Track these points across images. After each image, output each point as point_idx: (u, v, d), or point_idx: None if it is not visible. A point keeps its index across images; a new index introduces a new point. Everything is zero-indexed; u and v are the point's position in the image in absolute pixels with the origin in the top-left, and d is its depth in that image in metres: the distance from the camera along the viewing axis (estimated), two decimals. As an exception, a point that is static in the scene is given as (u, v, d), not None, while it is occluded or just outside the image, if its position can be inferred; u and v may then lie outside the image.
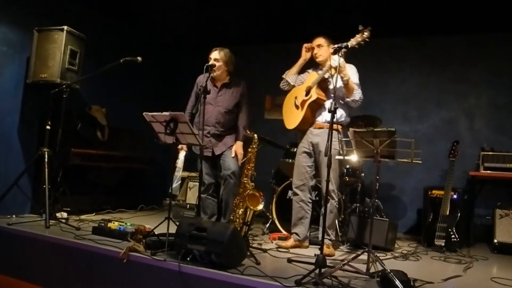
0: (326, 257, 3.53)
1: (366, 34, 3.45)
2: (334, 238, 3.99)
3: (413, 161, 3.14)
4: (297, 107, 4.07)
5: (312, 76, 4.04)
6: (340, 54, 3.38)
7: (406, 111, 5.85)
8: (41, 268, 3.59)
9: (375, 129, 3.20)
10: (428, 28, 5.53)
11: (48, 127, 4.42)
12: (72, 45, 4.67)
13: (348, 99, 3.88)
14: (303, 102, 3.97)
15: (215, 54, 4.11)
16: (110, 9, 5.65)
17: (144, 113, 3.47)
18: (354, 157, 3.40)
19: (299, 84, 4.16)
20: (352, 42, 3.48)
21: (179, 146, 4.20)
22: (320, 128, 3.96)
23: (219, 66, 4.08)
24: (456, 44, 5.64)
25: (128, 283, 3.17)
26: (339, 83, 3.70)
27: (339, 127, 3.86)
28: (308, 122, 4.00)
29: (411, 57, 5.87)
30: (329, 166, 3.05)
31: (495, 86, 5.43)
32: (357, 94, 3.86)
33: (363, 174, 5.08)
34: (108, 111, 5.45)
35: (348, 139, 3.31)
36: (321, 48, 3.97)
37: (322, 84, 3.92)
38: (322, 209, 3.86)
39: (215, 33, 5.90)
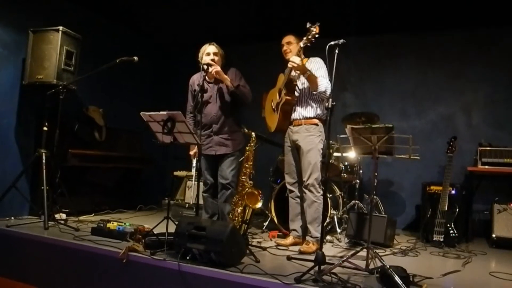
0: (303, 254, 3.56)
1: (314, 31, 3.48)
2: (317, 235, 3.74)
3: (411, 157, 3.14)
4: (273, 110, 4.15)
5: (280, 78, 4.13)
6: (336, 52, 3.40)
7: (403, 108, 5.85)
8: (41, 269, 3.59)
9: (373, 126, 3.20)
10: (424, 24, 5.54)
11: (45, 128, 4.41)
12: (68, 45, 4.65)
13: (314, 93, 3.90)
14: (277, 104, 4.05)
15: (213, 48, 4.00)
16: (105, 9, 5.63)
17: (141, 113, 3.47)
18: (352, 154, 3.41)
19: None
20: (304, 42, 3.59)
21: (191, 153, 4.23)
22: (298, 125, 4.00)
23: (217, 61, 3.98)
24: (453, 41, 5.65)
25: (128, 283, 3.17)
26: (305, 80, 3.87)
27: (317, 121, 3.95)
28: (285, 122, 4.07)
29: (408, 54, 5.87)
30: (328, 162, 3.05)
31: (492, 82, 5.44)
32: (321, 86, 3.78)
33: (361, 171, 5.09)
34: (105, 112, 5.45)
35: (345, 135, 3.31)
36: (291, 45, 3.99)
37: (289, 84, 3.97)
38: (304, 204, 3.90)
39: (212, 32, 5.89)
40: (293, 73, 3.92)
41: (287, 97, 3.93)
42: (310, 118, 3.96)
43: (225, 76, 3.94)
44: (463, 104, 5.58)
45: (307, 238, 3.87)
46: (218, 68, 3.89)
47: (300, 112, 3.99)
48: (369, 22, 5.53)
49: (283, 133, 4.18)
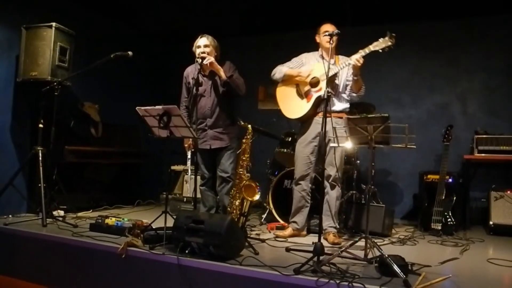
0: (334, 245, 3.66)
1: (391, 43, 3.52)
2: (338, 226, 4.03)
3: (408, 146, 3.14)
4: (301, 96, 4.06)
5: (319, 68, 3.93)
6: (331, 42, 3.40)
7: (399, 97, 5.86)
8: (40, 266, 3.59)
9: (369, 116, 3.19)
10: (419, 13, 5.52)
11: (40, 125, 4.40)
12: (61, 41, 4.62)
13: (354, 94, 3.97)
14: (311, 93, 3.97)
15: (204, 41, 3.95)
16: (99, 3, 5.59)
17: (137, 108, 3.46)
18: (348, 144, 3.41)
19: (297, 67, 4.11)
20: (376, 47, 3.58)
21: (186, 146, 4.19)
22: (327, 117, 3.94)
23: (210, 53, 3.93)
24: (447, 29, 5.65)
25: (127, 278, 3.18)
26: (348, 78, 3.96)
27: (345, 115, 3.86)
28: (312, 113, 4.01)
29: (403, 43, 5.78)
30: (324, 154, 3.05)
31: (487, 69, 5.45)
32: (363, 90, 4.02)
33: (358, 161, 5.09)
34: (101, 107, 5.43)
35: (343, 126, 3.32)
36: (335, 36, 3.86)
37: (333, 77, 3.91)
38: (327, 197, 3.90)
39: (207, 25, 5.85)
40: (336, 69, 3.86)
41: (331, 91, 3.82)
42: (340, 111, 3.98)
43: (219, 67, 3.90)
44: (459, 92, 5.59)
45: (331, 229, 3.91)
46: (212, 59, 3.86)
47: (337, 106, 4.00)
48: (364, 12, 5.51)
49: (302, 123, 4.11)
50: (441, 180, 4.47)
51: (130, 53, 4.19)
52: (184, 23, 6.19)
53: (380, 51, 3.61)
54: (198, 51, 3.94)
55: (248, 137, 3.93)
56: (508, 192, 4.64)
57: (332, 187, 3.93)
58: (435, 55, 5.69)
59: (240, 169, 3.79)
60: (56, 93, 4.34)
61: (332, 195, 3.92)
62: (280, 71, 4.13)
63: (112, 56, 4.16)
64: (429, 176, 4.82)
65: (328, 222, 3.92)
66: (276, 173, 4.98)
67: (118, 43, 4.85)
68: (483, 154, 4.83)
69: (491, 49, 5.43)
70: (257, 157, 4.53)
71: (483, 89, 5.48)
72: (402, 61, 5.85)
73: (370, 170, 3.50)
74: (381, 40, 3.57)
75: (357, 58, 3.67)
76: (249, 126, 3.99)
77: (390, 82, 5.90)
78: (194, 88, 3.75)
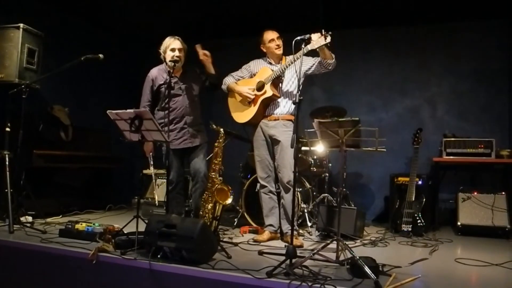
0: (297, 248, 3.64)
1: (328, 39, 3.48)
2: (298, 228, 4.11)
3: (378, 149, 3.19)
4: (248, 102, 4.10)
5: (265, 72, 4.05)
6: (303, 46, 3.38)
7: (370, 101, 5.95)
8: (7, 275, 3.48)
9: (340, 119, 3.24)
10: (389, 18, 5.63)
11: (7, 129, 4.28)
12: (29, 43, 4.53)
13: (329, 61, 3.89)
14: (256, 97, 4.02)
15: (179, 44, 3.95)
16: (69, 4, 5.49)
17: (108, 111, 3.40)
18: (320, 148, 3.44)
19: (247, 76, 4.21)
20: (313, 46, 3.49)
21: (145, 149, 4.11)
22: (275, 120, 4.01)
23: (182, 56, 3.95)
24: (417, 34, 5.77)
25: (98, 284, 3.12)
26: (295, 80, 3.91)
27: (292, 117, 3.96)
28: (260, 116, 4.06)
29: (374, 47, 5.96)
30: (296, 157, 3.07)
31: (455, 74, 5.60)
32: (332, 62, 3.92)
33: (330, 164, 5.15)
34: (71, 111, 5.33)
35: (313, 130, 3.34)
36: (280, 40, 4.02)
37: (276, 80, 3.98)
38: (282, 201, 3.93)
39: (178, 29, 5.83)
40: (280, 71, 3.90)
41: (274, 93, 3.93)
42: (286, 114, 3.99)
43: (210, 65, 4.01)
44: (428, 96, 5.72)
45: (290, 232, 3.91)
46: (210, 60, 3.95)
47: (278, 108, 4.01)
48: (335, 17, 5.58)
49: (252, 127, 4.17)
50: (411, 182, 4.55)
51: (101, 55, 4.13)
52: (155, 26, 6.13)
53: (317, 50, 3.61)
54: (172, 54, 3.91)
55: (220, 140, 3.93)
56: (475, 193, 4.76)
57: (287, 190, 3.92)
58: (406, 60, 5.82)
59: (213, 173, 3.78)
60: (24, 96, 4.22)
61: (288, 199, 3.91)
62: (224, 83, 4.22)
63: (82, 58, 4.09)
64: (399, 179, 4.90)
65: (287, 226, 3.93)
66: (248, 176, 4.98)
67: (89, 45, 4.79)
68: (451, 157, 4.94)
69: (459, 54, 5.58)
70: (230, 160, 4.52)
71: (451, 93, 5.63)
72: (374, 66, 5.96)
73: (341, 173, 3.55)
74: (319, 39, 3.48)
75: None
76: (221, 129, 3.98)
77: (361, 86, 5.99)
78: (167, 92, 3.71)
